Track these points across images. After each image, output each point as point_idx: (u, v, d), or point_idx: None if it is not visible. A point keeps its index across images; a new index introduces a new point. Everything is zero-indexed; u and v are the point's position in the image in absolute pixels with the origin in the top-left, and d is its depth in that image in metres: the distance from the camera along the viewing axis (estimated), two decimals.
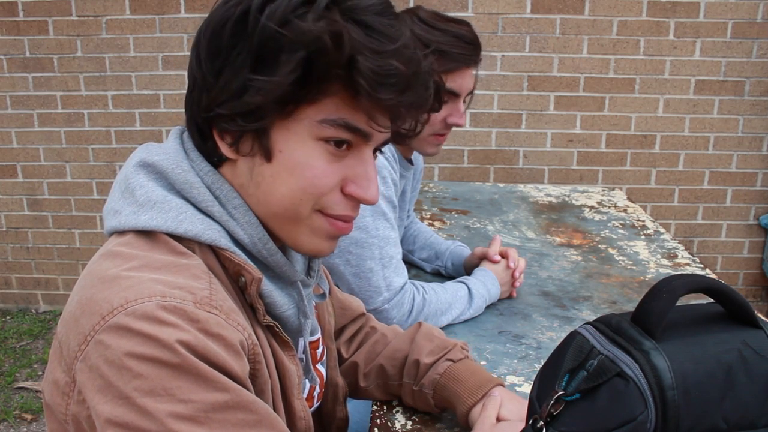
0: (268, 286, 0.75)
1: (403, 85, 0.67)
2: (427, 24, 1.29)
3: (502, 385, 0.98)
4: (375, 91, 0.66)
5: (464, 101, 1.39)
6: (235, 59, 0.67)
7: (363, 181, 0.73)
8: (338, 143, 0.70)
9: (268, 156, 0.70)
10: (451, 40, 1.28)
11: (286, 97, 0.67)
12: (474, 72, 1.37)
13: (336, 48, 0.64)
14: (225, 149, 0.72)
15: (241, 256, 0.72)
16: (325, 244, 0.76)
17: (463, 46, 1.29)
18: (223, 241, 0.71)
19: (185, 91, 0.75)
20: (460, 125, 1.37)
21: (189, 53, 0.73)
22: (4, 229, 3.29)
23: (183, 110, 0.76)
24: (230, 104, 0.68)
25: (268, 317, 0.75)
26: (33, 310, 3.39)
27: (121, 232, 0.71)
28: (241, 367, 0.65)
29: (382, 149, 0.80)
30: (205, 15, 0.72)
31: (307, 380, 0.87)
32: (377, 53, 0.66)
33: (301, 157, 0.70)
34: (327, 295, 0.91)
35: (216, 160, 0.74)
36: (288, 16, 0.65)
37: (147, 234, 0.70)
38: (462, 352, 1.02)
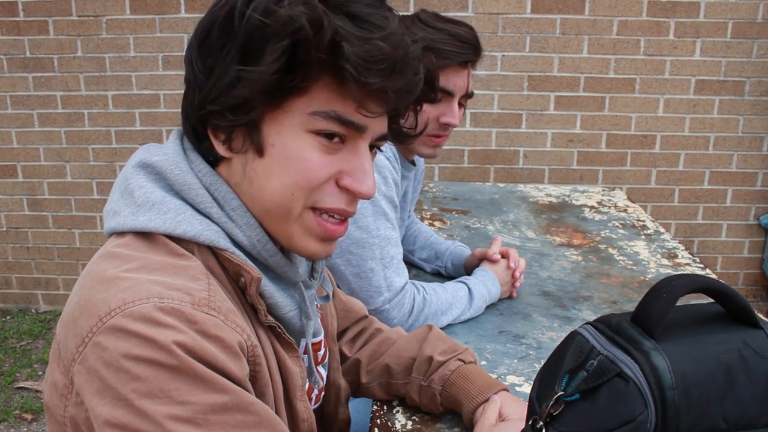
0: (269, 287, 0.74)
1: (390, 69, 0.67)
2: (425, 24, 1.30)
3: (507, 391, 0.98)
4: (361, 76, 0.66)
5: (461, 103, 1.38)
6: (224, 57, 0.68)
7: (359, 174, 0.72)
8: (329, 136, 0.70)
9: (260, 150, 0.70)
10: (445, 37, 1.29)
11: (272, 87, 0.67)
12: (470, 72, 1.36)
13: (316, 32, 0.64)
14: (219, 147, 0.72)
15: (240, 257, 0.71)
16: (317, 246, 0.75)
17: (456, 44, 1.30)
18: (222, 242, 0.70)
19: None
20: (454, 125, 1.36)
21: None
22: (4, 229, 3.29)
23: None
24: (220, 99, 0.68)
25: (269, 317, 0.74)
26: (33, 310, 3.39)
27: (120, 233, 0.71)
28: (240, 369, 0.65)
29: (381, 148, 0.80)
30: None
31: (308, 381, 0.87)
32: (364, 40, 0.66)
33: (293, 150, 0.70)
34: (330, 297, 0.91)
35: (212, 160, 0.74)
36: (271, 7, 0.65)
37: (146, 235, 0.70)
38: (472, 356, 1.03)
